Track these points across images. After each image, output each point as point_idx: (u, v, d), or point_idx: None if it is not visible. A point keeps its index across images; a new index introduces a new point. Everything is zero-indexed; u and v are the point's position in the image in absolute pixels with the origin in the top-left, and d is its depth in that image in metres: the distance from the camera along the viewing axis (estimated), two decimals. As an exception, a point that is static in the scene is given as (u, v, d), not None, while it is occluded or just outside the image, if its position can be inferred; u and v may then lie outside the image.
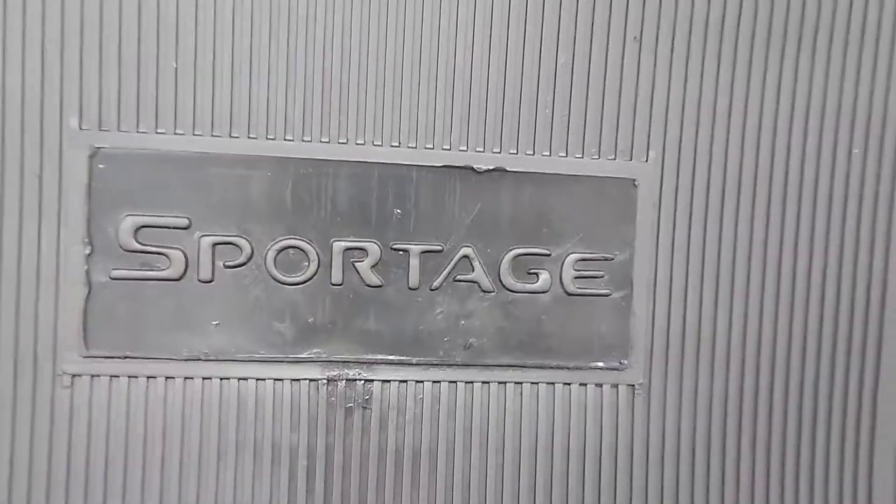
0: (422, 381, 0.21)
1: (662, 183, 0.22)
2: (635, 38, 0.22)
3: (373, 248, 0.21)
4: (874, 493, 0.25)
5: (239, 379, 0.21)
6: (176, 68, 0.21)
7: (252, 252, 0.21)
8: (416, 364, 0.21)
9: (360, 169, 0.21)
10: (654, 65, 0.22)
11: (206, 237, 0.21)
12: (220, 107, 0.21)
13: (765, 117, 0.22)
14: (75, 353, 0.20)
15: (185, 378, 0.21)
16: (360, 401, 0.22)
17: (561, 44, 0.22)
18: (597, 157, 0.22)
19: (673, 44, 0.22)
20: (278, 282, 0.21)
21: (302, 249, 0.21)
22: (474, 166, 0.22)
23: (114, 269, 0.21)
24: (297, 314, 0.21)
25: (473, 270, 0.22)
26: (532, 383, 0.22)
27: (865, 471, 0.24)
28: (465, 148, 0.22)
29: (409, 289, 0.21)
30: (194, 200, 0.21)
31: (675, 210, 0.22)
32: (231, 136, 0.21)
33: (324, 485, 0.21)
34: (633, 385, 0.22)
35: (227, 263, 0.21)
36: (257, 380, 0.21)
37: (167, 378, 0.21)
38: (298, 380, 0.21)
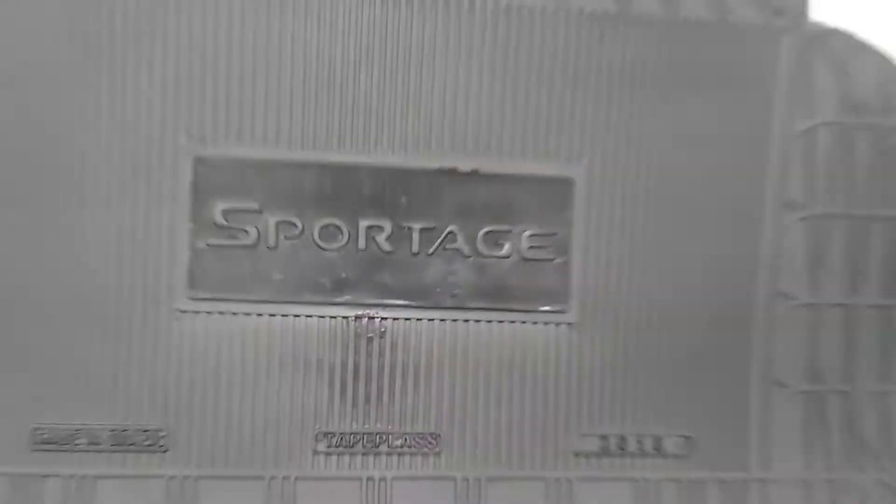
0: (421, 319, 0.30)
1: (592, 181, 0.30)
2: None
3: (387, 224, 0.29)
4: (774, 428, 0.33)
5: (294, 316, 0.29)
6: (253, 103, 0.29)
7: (303, 228, 0.29)
8: (417, 307, 0.30)
9: (379, 170, 0.29)
10: (586, 97, 0.29)
11: (272, 218, 0.29)
12: (282, 128, 0.29)
13: (666, 135, 0.30)
14: (184, 296, 0.28)
15: (258, 314, 0.29)
16: (378, 332, 0.30)
17: (525, 79, 0.30)
18: (546, 162, 0.30)
19: (600, 83, 0.30)
20: (321, 248, 0.29)
21: (338, 226, 0.29)
22: (458, 168, 0.30)
23: (209, 240, 0.29)
24: (334, 271, 0.29)
25: (457, 241, 0.30)
26: (498, 322, 0.30)
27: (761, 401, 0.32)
28: (452, 155, 0.30)
29: (412, 254, 0.29)
30: (264, 192, 0.29)
31: (602, 200, 0.30)
32: (290, 148, 0.29)
33: (353, 390, 0.29)
34: (571, 323, 0.30)
35: (286, 236, 0.29)
36: (307, 317, 0.29)
37: (245, 314, 0.29)
38: (335, 317, 0.30)
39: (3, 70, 0.27)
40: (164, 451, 0.28)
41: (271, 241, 0.29)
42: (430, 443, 0.29)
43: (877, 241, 0.30)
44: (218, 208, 0.28)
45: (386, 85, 0.29)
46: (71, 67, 0.27)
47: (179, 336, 0.28)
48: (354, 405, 0.29)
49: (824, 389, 0.30)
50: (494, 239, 0.29)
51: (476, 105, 0.29)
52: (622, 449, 0.29)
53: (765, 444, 0.30)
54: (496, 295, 0.29)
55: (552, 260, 0.29)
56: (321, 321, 0.29)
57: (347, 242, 0.29)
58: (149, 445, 0.28)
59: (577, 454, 0.29)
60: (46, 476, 0.28)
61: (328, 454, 0.28)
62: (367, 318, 0.29)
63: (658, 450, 0.30)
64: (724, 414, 0.30)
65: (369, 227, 0.29)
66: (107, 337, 0.28)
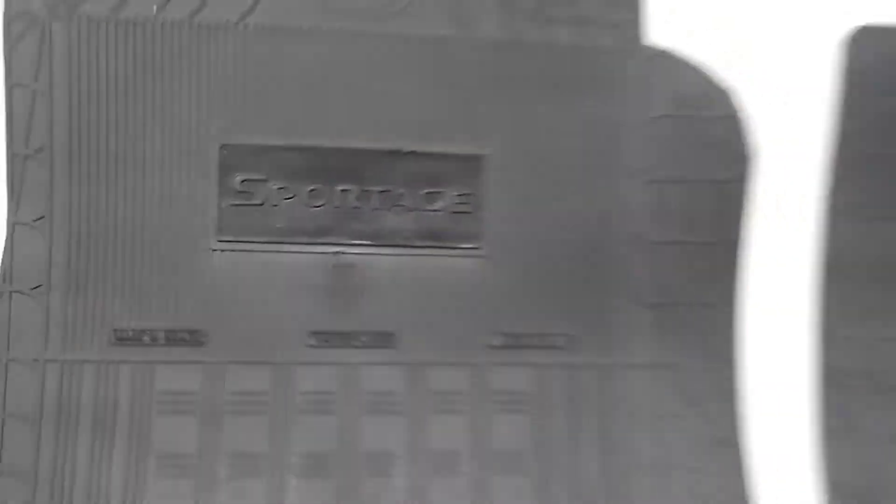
0: (379, 254, 0.41)
1: (497, 157, 0.42)
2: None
3: (355, 188, 0.41)
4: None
5: (290, 252, 0.41)
6: (256, 110, 0.41)
7: (295, 192, 0.41)
8: (377, 245, 0.41)
9: (349, 151, 0.41)
10: (492, 101, 0.42)
11: (274, 185, 0.41)
12: (279, 124, 0.41)
13: (549, 125, 0.42)
14: (215, 239, 0.40)
15: (265, 251, 0.41)
16: (349, 263, 0.42)
17: (448, 90, 0.42)
18: (465, 144, 0.42)
19: (501, 91, 0.42)
20: (308, 206, 0.41)
21: (320, 190, 0.41)
22: (402, 149, 0.42)
23: (231, 201, 0.41)
24: (318, 221, 0.41)
25: (405, 200, 0.42)
26: (433, 255, 0.42)
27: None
28: (398, 140, 0.42)
29: (373, 209, 0.41)
30: (268, 168, 0.41)
31: (504, 170, 0.42)
32: (286, 137, 0.41)
33: (332, 302, 0.41)
34: (483, 256, 0.42)
35: (284, 197, 0.41)
36: (299, 252, 0.41)
37: (257, 251, 0.41)
38: (319, 253, 0.41)
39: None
40: (202, 345, 0.40)
41: (274, 201, 0.41)
42: (387, 339, 0.41)
43: (704, 198, 0.43)
44: (237, 179, 0.41)
45: (353, 93, 0.41)
46: (138, 86, 0.40)
47: (211, 267, 0.40)
48: (337, 310, 0.41)
49: (669, 302, 0.43)
50: (431, 198, 0.42)
51: (419, 107, 0.42)
52: (522, 342, 0.42)
53: (625, 338, 0.42)
54: (432, 237, 0.42)
55: (470, 213, 0.42)
56: (309, 256, 0.41)
57: (327, 202, 0.41)
58: (191, 341, 0.40)
59: (490, 346, 0.42)
60: (122, 363, 0.40)
61: (316, 347, 0.41)
62: (341, 254, 0.41)
63: (548, 343, 0.42)
64: (593, 317, 0.42)
65: (342, 191, 0.41)
66: (163, 268, 0.40)
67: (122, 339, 0.39)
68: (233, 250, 0.40)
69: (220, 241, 0.40)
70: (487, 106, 0.41)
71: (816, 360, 0.42)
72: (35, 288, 0.39)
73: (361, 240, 0.41)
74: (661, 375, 0.42)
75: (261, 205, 0.40)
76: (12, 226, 0.39)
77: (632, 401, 0.42)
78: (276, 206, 0.40)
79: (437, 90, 0.41)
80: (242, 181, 0.40)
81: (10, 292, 0.39)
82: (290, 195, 0.41)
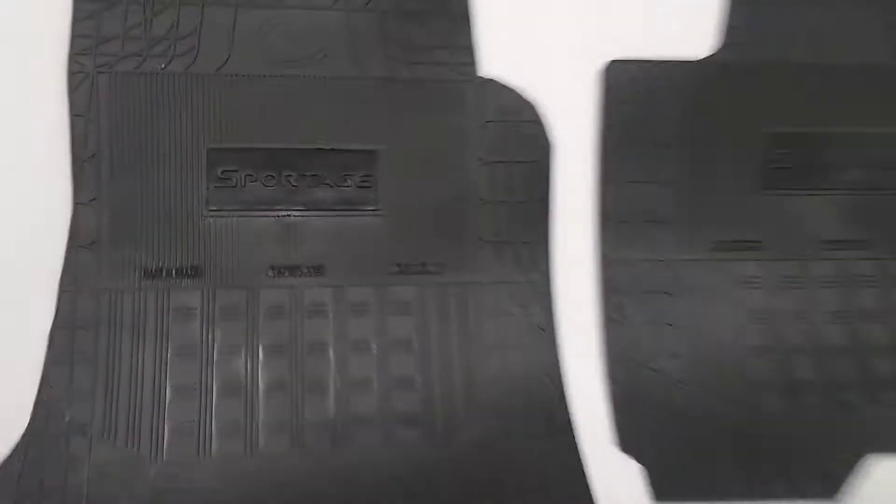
0: (314, 217, 0.62)
1: (385, 151, 0.64)
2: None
3: (295, 174, 0.62)
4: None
5: (253, 216, 0.62)
6: (229, 128, 0.64)
7: (256, 176, 0.63)
8: (312, 210, 0.61)
9: (294, 150, 0.63)
10: (382, 113, 0.64)
11: (243, 173, 0.63)
12: (246, 135, 0.63)
13: (416, 130, 0.65)
14: (206, 209, 0.62)
15: (239, 217, 0.62)
16: (294, 224, 0.64)
17: (354, 103, 0.65)
18: (365, 142, 0.64)
19: (383, 107, 0.65)
20: (265, 185, 0.63)
21: (273, 175, 0.63)
22: (323, 147, 0.63)
23: (215, 184, 0.62)
24: (271, 195, 0.61)
25: (328, 180, 0.63)
26: (350, 216, 0.63)
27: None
28: (322, 142, 0.64)
29: (308, 187, 0.62)
30: (239, 161, 0.63)
31: (391, 160, 0.65)
32: (247, 142, 0.63)
33: (285, 247, 0.63)
34: (383, 216, 0.64)
35: (249, 181, 0.62)
36: (259, 216, 0.62)
37: (233, 217, 0.62)
38: (273, 217, 0.62)
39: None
40: (200, 276, 0.61)
41: (243, 184, 0.63)
42: (320, 270, 0.63)
43: (520, 172, 0.65)
44: (219, 170, 0.62)
45: (292, 114, 0.63)
46: (153, 116, 0.61)
47: (205, 227, 0.61)
48: (287, 252, 0.62)
49: (503, 241, 0.65)
50: (345, 179, 0.64)
51: (336, 121, 0.64)
52: (410, 269, 0.63)
53: (476, 265, 0.64)
54: (347, 203, 0.63)
55: (371, 187, 0.63)
56: (267, 218, 0.62)
57: (277, 183, 0.63)
58: (193, 274, 0.61)
59: (388, 273, 0.63)
60: (148, 290, 0.61)
61: (274, 276, 0.62)
62: (287, 217, 0.63)
63: (426, 270, 0.64)
64: (455, 252, 0.64)
65: (287, 176, 0.63)
66: (173, 229, 0.60)
67: (148, 275, 0.60)
68: (218, 216, 0.62)
69: (210, 211, 0.61)
70: (379, 119, 0.64)
71: (598, 275, 0.65)
72: (91, 244, 0.60)
73: (300, 207, 0.62)
74: (500, 288, 0.64)
75: (234, 186, 0.62)
76: (75, 205, 0.60)
77: (481, 306, 0.63)
78: (244, 186, 0.61)
79: (346, 110, 0.63)
80: (223, 171, 0.62)
81: (76, 247, 0.60)
82: (254, 179, 0.62)
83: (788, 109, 0.63)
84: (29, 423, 0.57)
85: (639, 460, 0.61)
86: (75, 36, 0.59)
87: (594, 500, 0.59)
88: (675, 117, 0.64)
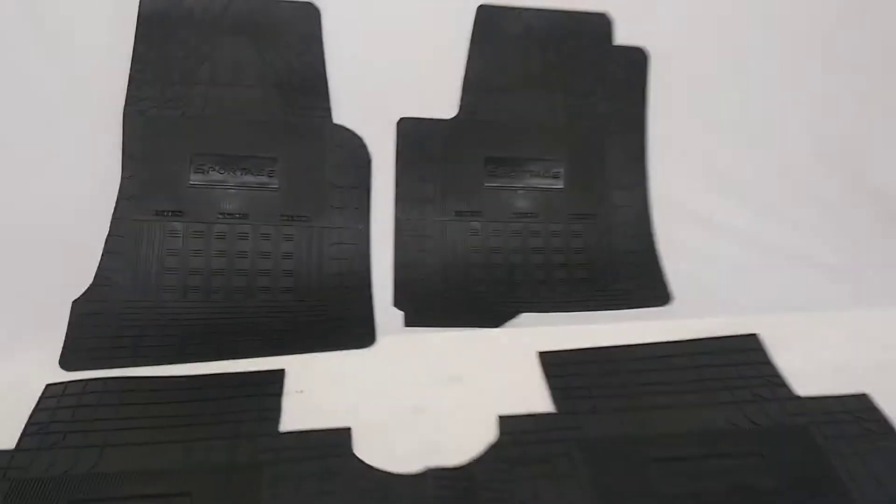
0: (243, 191, 1.23)
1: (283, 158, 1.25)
2: None
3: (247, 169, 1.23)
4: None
5: (219, 188, 1.22)
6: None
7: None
8: (242, 186, 1.23)
9: (231, 157, 1.24)
10: None
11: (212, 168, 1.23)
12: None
13: None
14: (189, 182, 1.21)
15: (209, 188, 1.22)
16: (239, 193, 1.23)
17: None
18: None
19: None
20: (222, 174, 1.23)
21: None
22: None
23: (194, 171, 1.22)
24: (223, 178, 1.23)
25: (248, 174, 1.23)
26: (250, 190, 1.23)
27: None
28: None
29: (250, 173, 1.23)
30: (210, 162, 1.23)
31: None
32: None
33: (231, 201, 1.22)
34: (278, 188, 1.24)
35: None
36: (221, 188, 1.22)
37: (206, 188, 1.22)
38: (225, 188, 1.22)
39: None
40: (183, 215, 1.19)
41: (210, 172, 1.22)
42: (245, 216, 1.21)
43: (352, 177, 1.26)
44: (197, 163, 1.22)
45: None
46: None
47: (190, 189, 1.20)
48: (231, 203, 1.21)
49: (343, 206, 1.25)
50: (264, 171, 1.24)
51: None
52: (293, 218, 1.22)
53: (331, 214, 1.24)
54: (261, 184, 1.24)
55: (274, 175, 1.24)
56: (222, 188, 1.22)
57: (227, 174, 1.23)
58: (177, 212, 1.19)
59: (281, 217, 1.22)
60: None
61: (224, 217, 1.20)
62: (231, 190, 1.22)
63: (303, 218, 1.23)
64: (320, 210, 1.24)
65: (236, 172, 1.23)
66: (177, 188, 1.20)
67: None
68: (196, 186, 1.21)
69: (191, 183, 1.21)
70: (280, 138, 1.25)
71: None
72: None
73: (239, 187, 1.22)
74: (341, 229, 1.24)
75: (204, 173, 1.22)
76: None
77: (329, 234, 1.23)
78: (209, 173, 1.22)
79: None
80: (198, 165, 1.22)
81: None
82: (219, 171, 1.22)
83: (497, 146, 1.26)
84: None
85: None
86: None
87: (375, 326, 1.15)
88: (440, 149, 1.26)
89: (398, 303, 1.09)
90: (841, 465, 0.80)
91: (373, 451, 0.81)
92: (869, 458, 0.83)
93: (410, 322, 1.06)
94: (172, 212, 1.11)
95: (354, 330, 1.06)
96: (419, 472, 0.78)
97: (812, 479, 0.78)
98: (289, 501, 0.76)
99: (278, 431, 0.88)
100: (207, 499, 0.77)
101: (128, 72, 1.12)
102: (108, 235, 1.07)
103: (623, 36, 1.18)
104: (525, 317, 1.07)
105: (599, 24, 1.21)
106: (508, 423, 0.86)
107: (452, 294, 1.16)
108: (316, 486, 0.79)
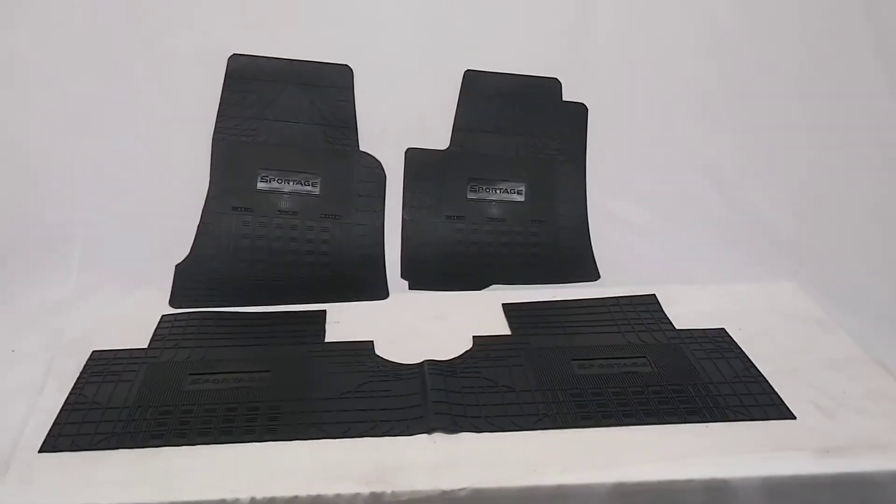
0: None
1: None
2: None
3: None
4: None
5: None
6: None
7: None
8: None
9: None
10: None
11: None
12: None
13: None
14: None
15: None
16: None
17: None
18: None
19: None
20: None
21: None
22: None
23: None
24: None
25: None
26: None
27: None
28: None
29: None
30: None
31: None
32: None
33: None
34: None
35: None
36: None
37: None
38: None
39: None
40: None
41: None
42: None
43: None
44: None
45: None
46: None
47: (259, 196, 1.66)
48: None
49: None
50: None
51: None
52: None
53: None
54: None
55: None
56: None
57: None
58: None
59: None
60: None
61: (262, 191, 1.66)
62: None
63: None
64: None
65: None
66: None
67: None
68: (261, 191, 1.67)
69: (258, 189, 1.67)
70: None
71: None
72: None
73: (290, 192, 1.69)
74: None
75: (267, 182, 1.68)
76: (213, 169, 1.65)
77: None
78: (271, 182, 1.68)
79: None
80: (263, 176, 1.69)
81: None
82: (278, 181, 1.69)
83: (477, 170, 1.74)
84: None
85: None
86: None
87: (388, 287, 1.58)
88: (435, 171, 1.74)
89: (404, 274, 1.53)
90: (697, 364, 1.22)
91: (387, 353, 1.24)
92: (717, 362, 1.25)
93: (413, 286, 1.50)
94: (244, 208, 1.54)
95: (373, 288, 1.52)
96: (419, 363, 1.21)
97: (677, 369, 1.21)
98: (333, 375, 1.11)
99: (324, 342, 1.31)
100: (281, 372, 1.19)
101: (217, 108, 1.60)
102: (200, 223, 1.52)
103: (569, 94, 1.67)
104: (495, 286, 1.51)
105: (552, 85, 1.70)
106: (479, 340, 1.28)
107: (444, 270, 1.61)
108: (351, 368, 1.22)
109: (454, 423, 0.96)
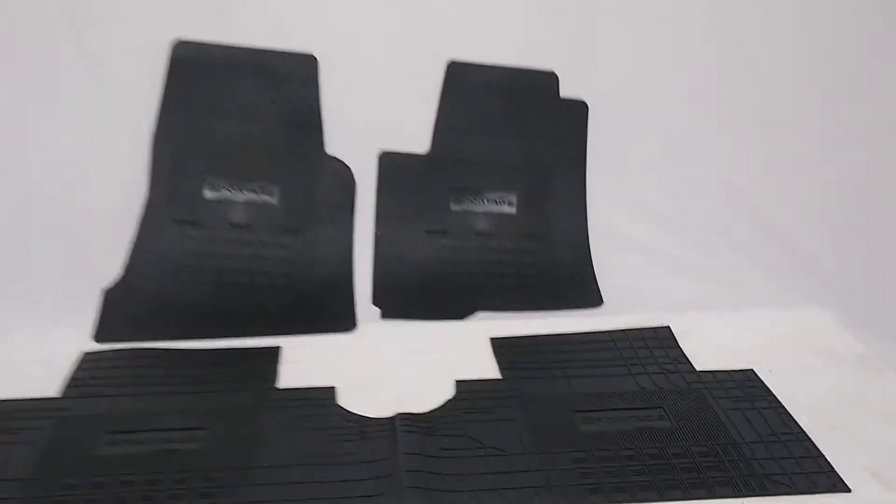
0: None
1: None
2: None
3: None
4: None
5: None
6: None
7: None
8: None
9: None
10: None
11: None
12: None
13: None
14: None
15: None
16: None
17: None
18: None
19: None
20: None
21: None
22: None
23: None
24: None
25: None
26: None
27: None
28: None
29: None
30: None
31: None
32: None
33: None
34: None
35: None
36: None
37: None
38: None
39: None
40: None
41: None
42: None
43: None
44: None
45: None
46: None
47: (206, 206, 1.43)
48: None
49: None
50: None
51: None
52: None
53: None
54: None
55: None
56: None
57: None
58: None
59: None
60: None
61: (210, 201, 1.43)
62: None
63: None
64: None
65: None
66: None
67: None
68: (209, 201, 1.44)
69: (205, 198, 1.44)
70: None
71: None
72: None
73: (244, 202, 1.45)
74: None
75: (217, 190, 1.45)
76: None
77: None
78: (221, 191, 1.45)
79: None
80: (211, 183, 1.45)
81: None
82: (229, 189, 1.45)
83: (461, 178, 1.51)
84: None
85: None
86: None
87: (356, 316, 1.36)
88: (413, 178, 1.51)
89: (376, 301, 1.30)
90: (725, 417, 1.01)
91: (352, 403, 1.02)
92: (748, 413, 1.06)
93: (386, 315, 1.28)
94: (188, 220, 1.31)
95: (339, 318, 1.29)
96: (390, 416, 0.99)
97: (700, 425, 1.00)
98: (284, 434, 0.93)
99: (276, 388, 1.08)
100: (219, 431, 0.97)
101: (159, 103, 1.36)
102: (134, 237, 1.28)
103: (568, 90, 1.45)
104: (481, 314, 1.29)
105: (548, 80, 1.48)
106: (463, 386, 1.07)
107: (422, 295, 1.39)
108: (307, 424, 1.00)
109: (430, 501, 0.80)
